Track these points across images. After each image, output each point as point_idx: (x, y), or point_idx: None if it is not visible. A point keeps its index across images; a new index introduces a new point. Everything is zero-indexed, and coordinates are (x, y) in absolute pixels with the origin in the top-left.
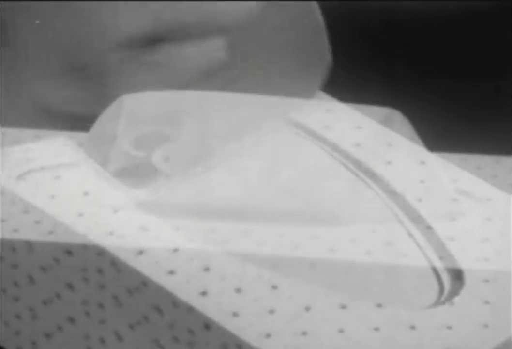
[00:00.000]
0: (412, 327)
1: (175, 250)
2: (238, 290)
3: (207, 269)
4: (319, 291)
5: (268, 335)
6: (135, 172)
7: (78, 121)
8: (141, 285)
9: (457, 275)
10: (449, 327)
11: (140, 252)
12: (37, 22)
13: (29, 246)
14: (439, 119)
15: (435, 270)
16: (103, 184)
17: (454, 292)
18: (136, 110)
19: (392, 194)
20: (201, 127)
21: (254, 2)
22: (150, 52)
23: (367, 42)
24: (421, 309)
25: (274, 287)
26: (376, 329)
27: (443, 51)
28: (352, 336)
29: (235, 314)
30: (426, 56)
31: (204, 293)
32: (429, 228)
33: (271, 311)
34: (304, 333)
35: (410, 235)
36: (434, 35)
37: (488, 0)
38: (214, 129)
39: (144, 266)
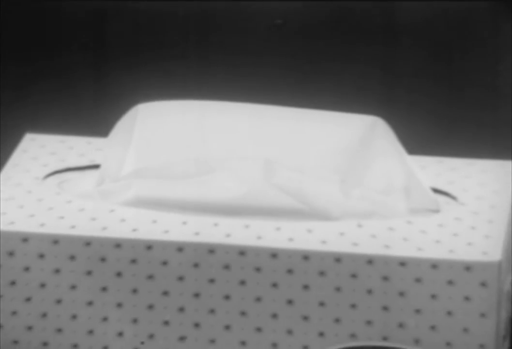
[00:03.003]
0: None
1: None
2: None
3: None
4: None
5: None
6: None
7: None
8: (152, 274)
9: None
10: None
11: (151, 245)
12: None
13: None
14: (419, 126)
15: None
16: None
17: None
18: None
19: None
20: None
21: None
22: None
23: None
24: None
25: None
26: None
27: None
28: None
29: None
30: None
31: (212, 281)
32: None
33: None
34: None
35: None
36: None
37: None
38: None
39: (154, 258)
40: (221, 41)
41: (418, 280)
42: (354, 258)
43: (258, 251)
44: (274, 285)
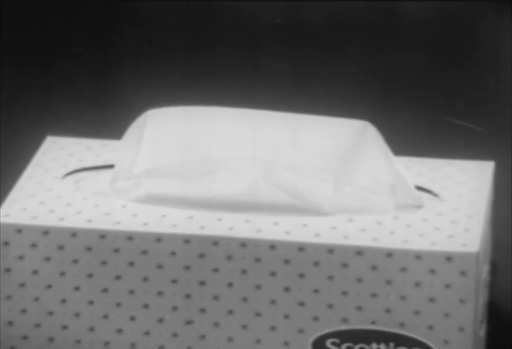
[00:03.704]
0: None
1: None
2: (244, 271)
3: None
4: None
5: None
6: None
7: None
8: (161, 264)
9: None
10: None
11: (160, 237)
12: None
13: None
14: (404, 130)
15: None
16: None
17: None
18: (159, 124)
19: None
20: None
21: None
22: None
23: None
24: None
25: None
26: None
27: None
28: None
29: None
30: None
31: (216, 270)
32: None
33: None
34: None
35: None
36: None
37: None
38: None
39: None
40: (221, 40)
41: (403, 270)
42: (345, 249)
43: (257, 243)
44: (273, 274)
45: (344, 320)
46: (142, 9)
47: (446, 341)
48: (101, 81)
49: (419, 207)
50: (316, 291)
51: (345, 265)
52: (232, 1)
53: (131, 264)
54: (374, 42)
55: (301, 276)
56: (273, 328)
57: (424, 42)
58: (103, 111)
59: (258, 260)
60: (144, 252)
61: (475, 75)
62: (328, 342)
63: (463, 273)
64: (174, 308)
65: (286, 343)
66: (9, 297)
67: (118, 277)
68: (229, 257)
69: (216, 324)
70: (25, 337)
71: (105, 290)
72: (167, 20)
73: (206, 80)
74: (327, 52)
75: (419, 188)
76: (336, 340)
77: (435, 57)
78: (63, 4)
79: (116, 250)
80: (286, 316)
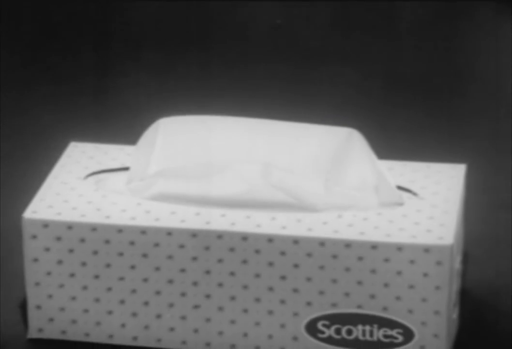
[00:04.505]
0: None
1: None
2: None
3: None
4: None
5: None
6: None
7: None
8: (171, 255)
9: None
10: None
11: (170, 232)
12: None
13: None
14: (388, 136)
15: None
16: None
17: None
18: (170, 133)
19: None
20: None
21: None
22: None
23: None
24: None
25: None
26: None
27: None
28: None
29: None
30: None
31: (220, 260)
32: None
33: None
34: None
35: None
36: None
37: None
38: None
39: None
40: (221, 40)
41: (386, 260)
42: (335, 242)
43: (257, 237)
44: (270, 264)
45: (334, 305)
46: (143, 10)
47: (423, 323)
48: (100, 94)
49: (400, 204)
50: (309, 279)
51: (334, 256)
52: (232, 0)
53: (145, 255)
54: (373, 43)
55: (296, 266)
56: (270, 312)
57: (422, 43)
58: (114, 121)
59: (257, 251)
60: (156, 245)
61: (474, 76)
62: (320, 324)
63: (439, 263)
64: (183, 294)
65: (282, 326)
66: (37, 284)
67: (133, 267)
68: (231, 249)
69: (220, 309)
70: (51, 320)
71: (121, 278)
72: (165, 22)
73: (206, 85)
74: (324, 56)
75: (400, 187)
76: (327, 323)
77: (433, 58)
78: (64, 5)
79: (131, 243)
80: (282, 302)
